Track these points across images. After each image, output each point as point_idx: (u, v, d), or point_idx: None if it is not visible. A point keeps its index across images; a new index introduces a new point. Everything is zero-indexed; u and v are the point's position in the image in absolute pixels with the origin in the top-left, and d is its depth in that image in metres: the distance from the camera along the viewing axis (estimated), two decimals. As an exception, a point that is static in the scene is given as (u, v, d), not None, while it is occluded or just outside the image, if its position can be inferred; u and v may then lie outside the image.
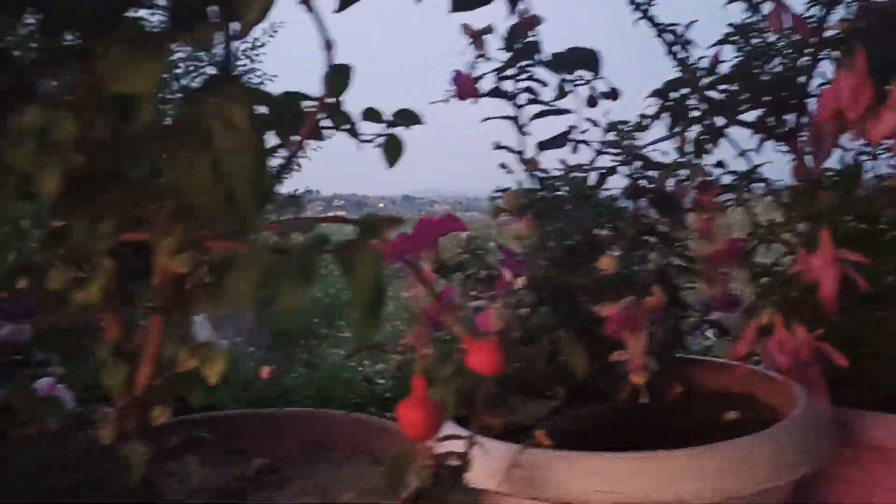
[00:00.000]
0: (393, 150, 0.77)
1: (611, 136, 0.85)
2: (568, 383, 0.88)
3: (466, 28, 0.83)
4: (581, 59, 0.84)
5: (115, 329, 0.67)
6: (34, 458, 0.64)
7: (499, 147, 0.86)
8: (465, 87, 0.83)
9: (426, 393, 0.51)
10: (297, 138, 0.59)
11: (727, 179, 0.89)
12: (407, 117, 0.74)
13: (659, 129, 0.88)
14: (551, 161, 0.88)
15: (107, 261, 0.59)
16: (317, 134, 0.64)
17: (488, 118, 0.87)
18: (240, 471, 0.86)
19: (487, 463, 0.72)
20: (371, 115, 0.74)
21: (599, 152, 0.84)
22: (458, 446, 0.67)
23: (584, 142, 0.86)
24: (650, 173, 0.86)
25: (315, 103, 0.71)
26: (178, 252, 0.57)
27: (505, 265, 0.86)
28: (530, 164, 0.83)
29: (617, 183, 0.88)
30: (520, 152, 0.86)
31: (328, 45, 0.53)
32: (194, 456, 0.66)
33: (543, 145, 0.87)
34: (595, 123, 0.87)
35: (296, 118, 0.67)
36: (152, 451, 0.64)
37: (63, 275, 0.56)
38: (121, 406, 0.65)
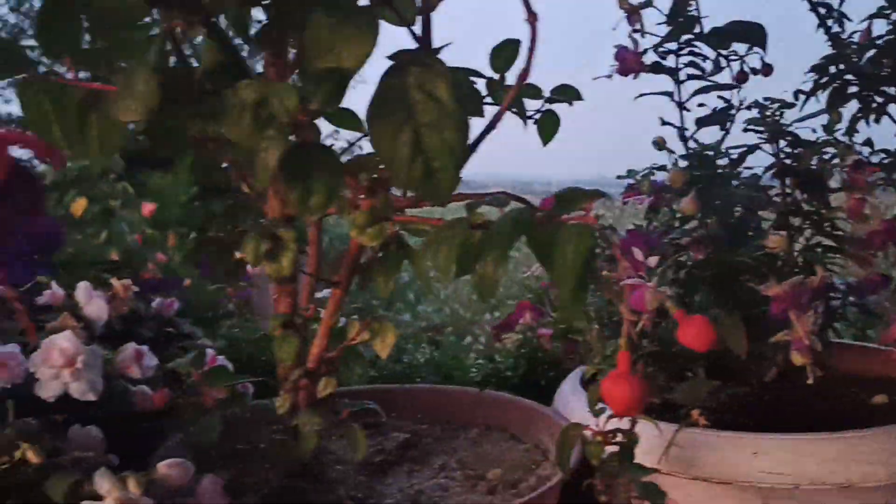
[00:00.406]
0: (549, 127, 0.77)
1: (756, 113, 0.84)
2: (708, 363, 0.88)
3: (623, 2, 0.82)
4: (745, 33, 0.82)
5: (286, 302, 0.68)
6: (207, 425, 0.66)
7: (664, 123, 0.85)
8: (629, 61, 0.83)
9: (631, 368, 0.51)
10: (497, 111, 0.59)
11: (875, 159, 0.87)
12: (567, 93, 0.74)
13: (809, 106, 0.86)
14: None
15: (293, 234, 0.60)
16: (519, 108, 0.64)
17: (642, 94, 0.86)
18: (380, 445, 0.87)
19: (644, 442, 0.72)
20: (531, 91, 0.74)
21: (746, 129, 0.82)
22: (623, 424, 0.66)
23: (731, 118, 0.84)
24: (796, 151, 0.84)
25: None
26: (368, 226, 0.58)
27: (632, 245, 0.86)
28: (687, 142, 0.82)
29: (759, 161, 0.86)
30: (681, 129, 0.85)
31: (532, 18, 0.52)
32: (359, 428, 0.67)
33: (702, 122, 0.86)
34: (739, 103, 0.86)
35: (473, 94, 0.68)
36: (325, 422, 0.66)
37: (257, 248, 0.57)
38: (294, 377, 0.66)
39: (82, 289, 0.75)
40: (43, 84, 0.52)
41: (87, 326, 0.74)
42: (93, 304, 0.74)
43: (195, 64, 0.56)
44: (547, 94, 0.74)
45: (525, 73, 0.56)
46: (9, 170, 0.25)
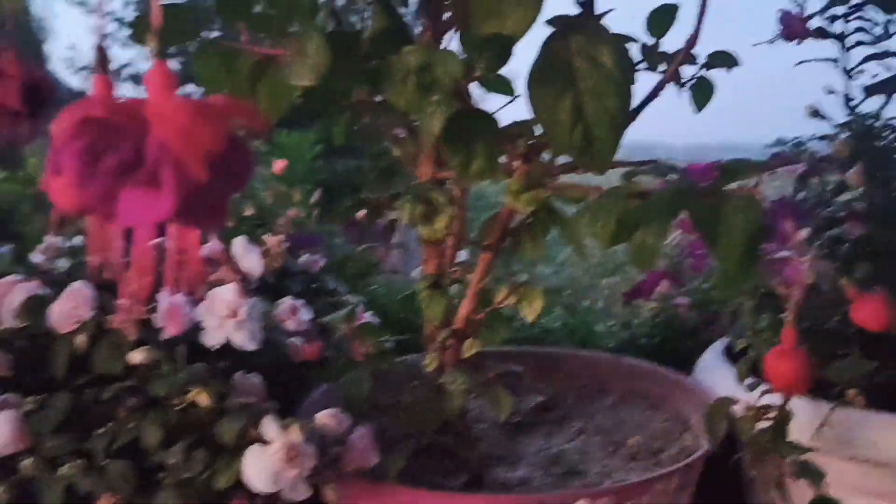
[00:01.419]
0: (703, 93, 0.74)
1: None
2: (862, 342, 0.84)
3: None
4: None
5: (434, 264, 0.69)
6: (357, 378, 0.68)
7: (830, 92, 0.81)
8: (794, 27, 0.79)
9: (796, 344, 0.50)
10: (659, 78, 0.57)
11: None
12: (723, 59, 0.71)
13: None
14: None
15: (446, 198, 0.61)
16: (675, 74, 0.62)
17: (803, 61, 0.82)
18: (517, 406, 0.88)
19: (795, 419, 0.70)
20: (685, 57, 0.72)
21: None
22: (775, 400, 0.65)
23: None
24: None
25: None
26: (523, 192, 0.58)
27: (781, 216, 0.82)
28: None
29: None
30: (847, 97, 0.81)
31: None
32: (504, 388, 0.68)
33: (871, 90, 0.81)
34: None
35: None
36: (471, 381, 0.67)
37: (414, 210, 0.58)
38: (442, 337, 0.68)
39: (239, 243, 0.78)
40: (217, 49, 0.54)
41: (242, 280, 0.77)
42: (249, 258, 0.77)
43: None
44: (702, 59, 0.72)
45: (694, 38, 0.54)
46: (227, 141, 0.26)
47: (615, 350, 1.07)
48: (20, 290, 0.67)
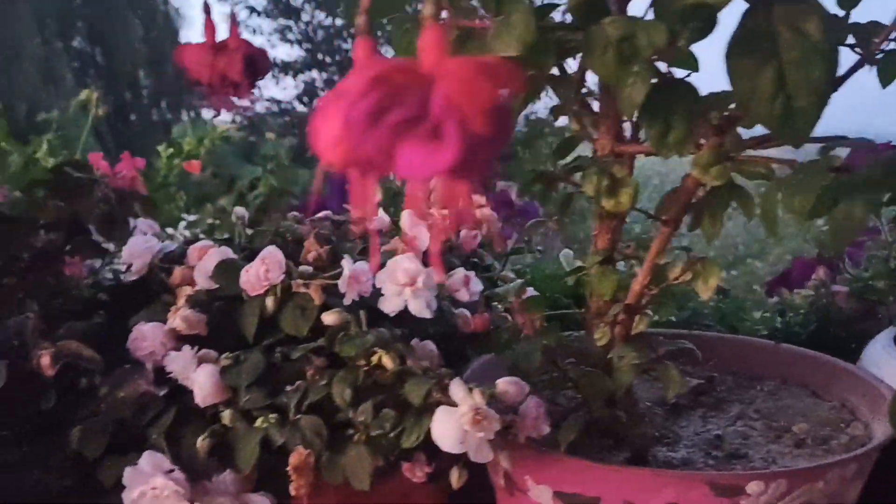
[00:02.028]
0: (891, 69, 0.71)
1: None
2: None
3: None
4: None
5: (606, 238, 0.70)
6: (528, 350, 0.69)
7: None
8: None
9: None
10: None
11: None
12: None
13: None
14: None
15: (628, 171, 0.61)
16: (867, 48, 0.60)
17: None
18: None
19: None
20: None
21: None
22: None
23: None
24: None
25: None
26: (712, 165, 0.57)
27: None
28: None
29: None
30: None
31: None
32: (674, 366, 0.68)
33: None
34: None
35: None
36: (641, 358, 0.67)
37: (599, 183, 0.59)
38: (614, 312, 0.68)
39: (407, 217, 0.81)
40: (415, 21, 0.56)
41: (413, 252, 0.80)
42: (416, 230, 0.80)
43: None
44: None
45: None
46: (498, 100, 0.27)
47: (769, 337, 1.04)
48: (214, 254, 0.72)
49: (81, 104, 2.11)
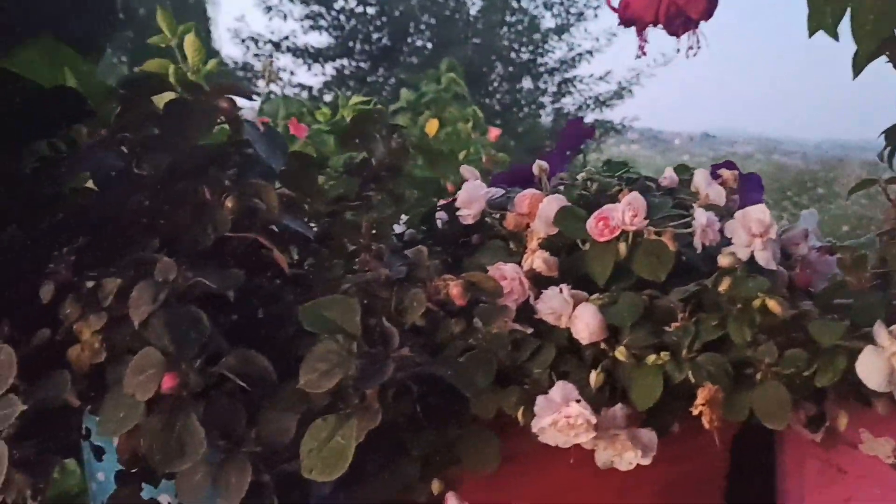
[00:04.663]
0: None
1: None
2: None
3: None
4: None
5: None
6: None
7: None
8: None
9: None
10: None
11: None
12: None
13: None
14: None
15: None
16: None
17: None
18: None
19: None
20: None
21: None
22: None
23: None
24: None
25: None
26: None
27: None
28: None
29: None
30: None
31: None
32: None
33: None
34: None
35: None
36: None
37: None
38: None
39: (700, 175, 0.82)
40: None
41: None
42: (712, 189, 0.81)
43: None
44: None
45: None
46: None
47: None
48: (554, 200, 0.73)
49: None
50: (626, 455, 0.62)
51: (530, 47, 9.31)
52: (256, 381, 0.58)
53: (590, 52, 9.56)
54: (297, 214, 0.74)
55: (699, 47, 0.61)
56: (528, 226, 0.75)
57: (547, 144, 8.41)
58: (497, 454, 0.64)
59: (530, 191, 0.76)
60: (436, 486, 0.66)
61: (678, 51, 0.68)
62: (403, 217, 0.91)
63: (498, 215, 0.78)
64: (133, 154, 0.66)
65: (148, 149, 0.66)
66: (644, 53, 0.57)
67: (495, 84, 9.32)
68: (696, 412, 0.60)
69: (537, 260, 0.69)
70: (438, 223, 0.86)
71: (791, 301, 0.64)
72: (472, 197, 0.75)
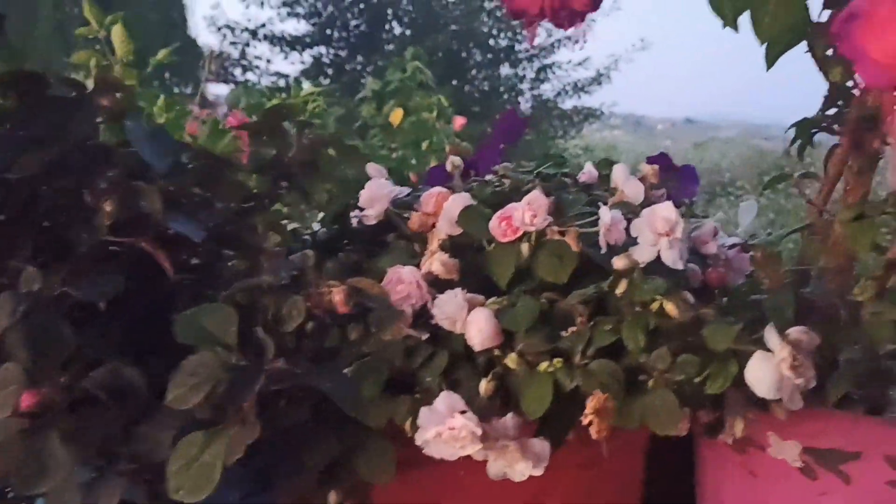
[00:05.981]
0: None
1: None
2: None
3: None
4: None
5: (859, 193, 0.69)
6: (781, 303, 0.68)
7: None
8: None
9: None
10: None
11: None
12: None
13: None
14: None
15: None
16: None
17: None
18: None
19: None
20: None
21: None
22: None
23: None
24: None
25: None
26: None
27: None
28: None
29: None
30: None
31: None
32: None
33: None
34: None
35: None
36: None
37: None
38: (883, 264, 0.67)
39: (620, 170, 0.80)
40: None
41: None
42: (630, 184, 0.78)
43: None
44: None
45: None
46: None
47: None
48: (458, 199, 0.70)
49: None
50: (517, 466, 0.60)
51: (509, 33, 9.23)
52: (127, 396, 0.56)
53: (568, 38, 9.50)
54: (204, 215, 0.72)
55: (586, 41, 0.58)
56: (433, 226, 0.73)
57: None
58: (392, 465, 0.62)
59: (437, 189, 0.73)
60: (332, 497, 0.64)
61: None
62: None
63: (407, 215, 0.76)
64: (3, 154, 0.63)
65: (21, 149, 0.63)
66: (532, 45, 0.55)
67: (474, 71, 9.26)
68: (585, 422, 0.58)
69: (436, 262, 0.67)
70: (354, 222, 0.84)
71: (703, 301, 0.62)
72: (375, 196, 0.73)
